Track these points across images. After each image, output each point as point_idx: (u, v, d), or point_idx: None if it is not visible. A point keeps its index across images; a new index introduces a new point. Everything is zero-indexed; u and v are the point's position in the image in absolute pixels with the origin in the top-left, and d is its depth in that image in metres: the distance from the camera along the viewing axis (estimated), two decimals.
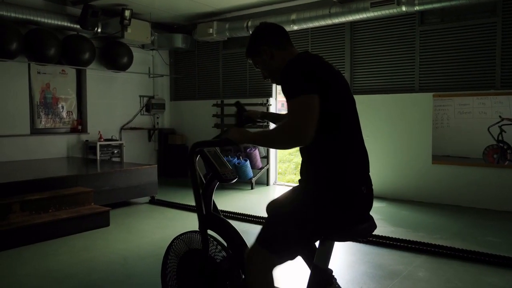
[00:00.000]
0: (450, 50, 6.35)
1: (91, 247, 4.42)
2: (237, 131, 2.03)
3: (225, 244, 2.30)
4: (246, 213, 5.59)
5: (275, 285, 1.94)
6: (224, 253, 2.28)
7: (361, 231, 1.87)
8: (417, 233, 4.80)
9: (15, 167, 6.49)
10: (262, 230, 1.95)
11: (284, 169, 10.49)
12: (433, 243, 4.28)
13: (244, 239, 2.31)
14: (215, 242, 2.30)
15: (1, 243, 4.27)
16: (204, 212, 2.27)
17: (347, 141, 1.89)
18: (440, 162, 6.37)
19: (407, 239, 4.43)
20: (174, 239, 2.51)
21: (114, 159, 8.19)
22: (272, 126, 7.36)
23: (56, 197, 5.01)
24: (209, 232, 2.33)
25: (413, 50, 6.64)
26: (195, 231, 2.41)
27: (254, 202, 6.79)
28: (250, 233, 4.92)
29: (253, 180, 7.78)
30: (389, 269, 3.73)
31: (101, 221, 5.13)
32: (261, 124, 2.15)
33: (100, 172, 6.10)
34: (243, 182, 7.90)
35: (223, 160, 2.31)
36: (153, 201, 6.55)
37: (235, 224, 5.20)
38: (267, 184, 8.16)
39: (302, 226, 1.84)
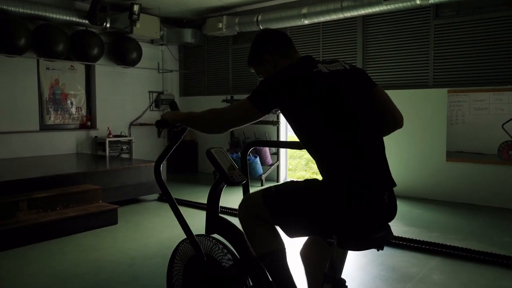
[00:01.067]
0: (466, 44, 6.17)
1: (98, 246, 4.36)
2: (170, 112, 2.14)
3: (233, 249, 2.20)
4: None
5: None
6: (230, 256, 2.19)
7: (376, 240, 1.75)
8: (431, 233, 4.67)
9: (24, 163, 6.47)
10: (273, 187, 1.93)
11: (295, 165, 10.37)
12: (448, 244, 4.15)
13: None
14: (221, 246, 2.20)
15: (8, 242, 4.23)
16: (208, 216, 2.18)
17: (355, 146, 1.76)
18: (455, 159, 6.21)
19: (421, 239, 4.30)
20: (180, 242, 2.43)
21: (123, 155, 8.15)
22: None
23: (63, 194, 4.97)
24: (218, 237, 2.24)
25: (428, 44, 6.46)
26: (201, 235, 2.32)
27: None
28: None
29: (263, 177, 7.68)
30: (402, 271, 3.61)
31: (109, 219, 5.07)
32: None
33: (108, 169, 6.04)
34: (253, 179, 7.80)
35: (230, 161, 2.21)
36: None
37: None
38: (277, 181, 8.06)
39: (307, 215, 1.79)
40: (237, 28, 8.03)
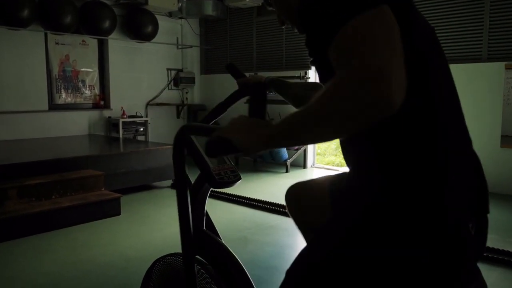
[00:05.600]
0: None
1: (93, 242, 3.80)
2: (245, 124, 1.04)
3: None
4: (277, 203, 4.80)
5: None
6: None
7: None
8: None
9: (28, 146, 5.98)
10: None
11: (324, 149, 9.59)
12: (510, 250, 3.37)
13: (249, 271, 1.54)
14: (206, 275, 1.53)
15: None
16: (191, 232, 1.51)
17: (440, 131, 1.01)
18: (511, 145, 5.32)
19: None
20: (156, 261, 1.78)
21: (138, 137, 7.61)
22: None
23: (60, 181, 4.43)
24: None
25: (482, 11, 5.52)
26: (177, 254, 1.66)
27: None
28: (279, 228, 4.16)
29: (288, 162, 6.98)
30: None
31: (110, 209, 4.51)
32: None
33: (114, 153, 5.47)
34: (277, 164, 7.13)
35: None
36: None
37: (263, 216, 4.39)
38: (304, 166, 7.34)
39: None
40: None
